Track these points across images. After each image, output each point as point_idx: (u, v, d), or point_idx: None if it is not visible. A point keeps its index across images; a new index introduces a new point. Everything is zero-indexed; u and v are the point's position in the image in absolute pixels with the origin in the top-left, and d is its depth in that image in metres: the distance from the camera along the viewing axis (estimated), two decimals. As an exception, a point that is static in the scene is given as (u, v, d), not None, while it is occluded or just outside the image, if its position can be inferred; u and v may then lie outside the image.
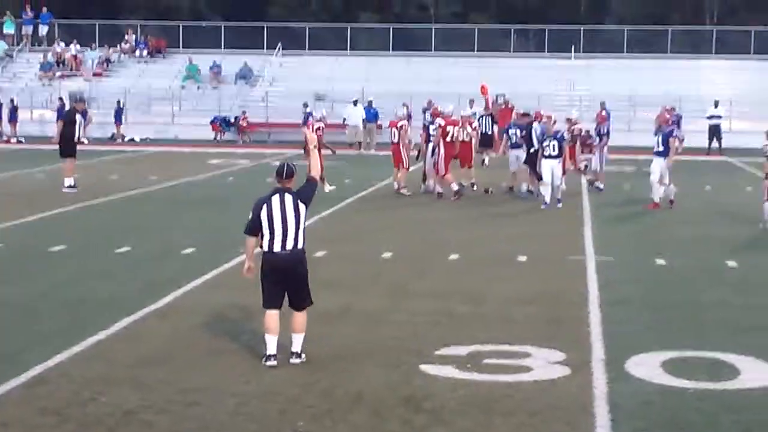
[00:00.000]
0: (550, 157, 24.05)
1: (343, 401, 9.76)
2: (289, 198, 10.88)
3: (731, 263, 17.26)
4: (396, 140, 26.39)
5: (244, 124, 48.48)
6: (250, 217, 11.00)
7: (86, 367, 10.76)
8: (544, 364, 10.95)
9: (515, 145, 26.70)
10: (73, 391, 9.95)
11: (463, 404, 9.69)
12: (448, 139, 25.62)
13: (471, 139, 26.28)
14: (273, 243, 10.84)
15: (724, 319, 13.30)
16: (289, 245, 10.82)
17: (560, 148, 24.10)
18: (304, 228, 10.96)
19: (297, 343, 10.97)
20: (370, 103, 45.65)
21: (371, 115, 45.29)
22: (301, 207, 10.87)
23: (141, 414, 9.41)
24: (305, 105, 45.72)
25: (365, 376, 10.49)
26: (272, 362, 10.87)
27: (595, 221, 21.98)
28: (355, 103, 44.90)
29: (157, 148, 44.29)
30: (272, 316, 10.97)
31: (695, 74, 51.94)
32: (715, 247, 18.99)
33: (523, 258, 17.48)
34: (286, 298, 11.02)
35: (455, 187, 25.39)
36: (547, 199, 23.89)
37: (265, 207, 10.87)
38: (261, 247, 10.96)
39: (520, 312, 13.49)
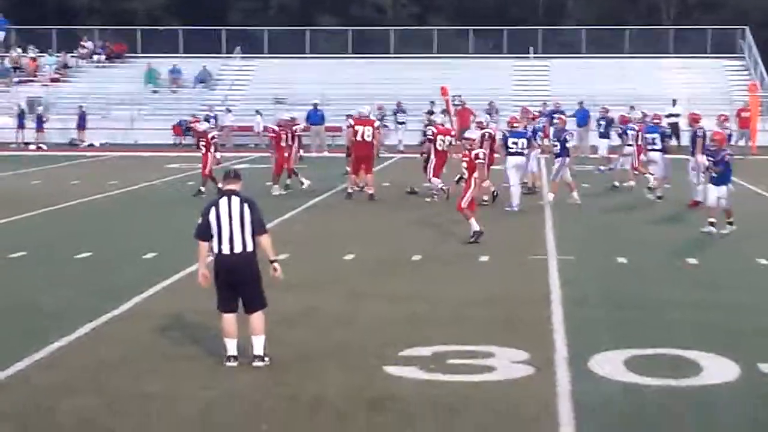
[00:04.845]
0: (516, 153, 23.88)
1: (307, 404, 9.73)
2: (235, 200, 10.86)
3: (692, 260, 17.36)
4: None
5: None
6: (199, 221, 10.97)
7: (46, 374, 10.67)
8: (507, 364, 10.96)
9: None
10: (32, 398, 9.87)
11: (427, 405, 9.69)
12: (359, 138, 25.90)
13: (372, 140, 26.14)
14: (222, 245, 10.81)
15: (686, 316, 13.37)
16: (238, 248, 10.78)
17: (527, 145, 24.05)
18: (253, 230, 10.89)
19: (258, 346, 10.92)
20: (315, 105, 45.55)
21: (318, 118, 45.11)
22: (247, 209, 10.84)
23: (102, 420, 9.35)
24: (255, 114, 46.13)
25: (329, 379, 10.46)
26: (232, 363, 10.86)
27: (556, 221, 22.04)
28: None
29: (116, 152, 44.02)
30: (228, 319, 10.95)
31: (654, 73, 52.20)
32: (675, 244, 19.09)
33: (485, 258, 17.51)
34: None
35: (350, 189, 26.34)
36: (515, 201, 23.66)
37: (213, 210, 10.84)
38: (211, 250, 10.93)
39: (482, 312, 13.50)
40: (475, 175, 19.27)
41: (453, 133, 26.16)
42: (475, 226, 19.12)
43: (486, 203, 23.59)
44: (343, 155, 27.81)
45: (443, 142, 25.50)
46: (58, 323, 12.75)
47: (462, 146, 20.20)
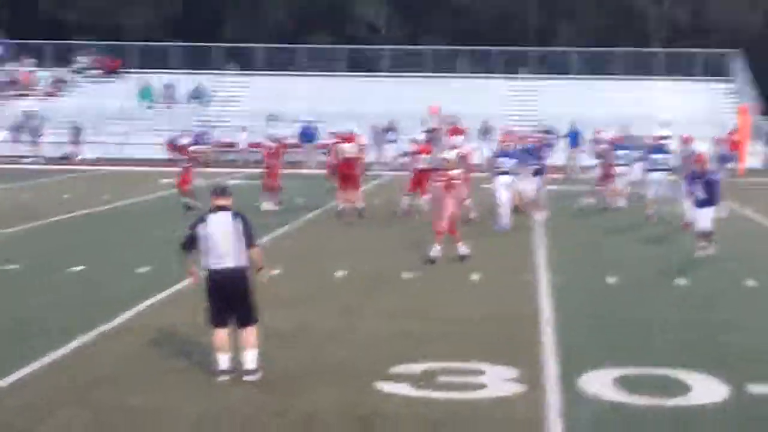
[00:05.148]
0: (505, 173, 23.90)
1: (297, 420, 9.77)
2: (226, 216, 10.94)
3: (681, 280, 17.44)
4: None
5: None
6: (186, 232, 11.10)
7: (37, 387, 10.71)
8: (497, 381, 11.02)
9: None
10: (22, 412, 9.91)
11: (417, 422, 9.73)
12: (343, 155, 26.14)
13: (357, 157, 26.31)
14: (213, 261, 10.89)
15: (675, 335, 13.44)
16: (230, 263, 10.86)
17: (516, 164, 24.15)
18: (247, 245, 10.98)
19: (250, 360, 10.98)
20: (308, 122, 45.69)
21: (310, 135, 45.32)
22: (239, 224, 10.93)
23: (93, 433, 9.42)
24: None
25: (319, 395, 10.51)
26: (224, 377, 10.91)
27: (546, 240, 22.13)
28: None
29: (110, 167, 44.04)
30: (220, 333, 11.01)
31: (643, 95, 52.32)
32: (665, 264, 19.16)
33: (476, 276, 17.59)
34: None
35: (340, 207, 26.17)
36: (504, 221, 23.71)
37: (203, 225, 10.94)
38: (203, 265, 11.02)
39: (473, 329, 13.57)
40: (452, 195, 19.31)
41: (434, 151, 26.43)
42: (434, 252, 19.00)
43: (472, 220, 23.82)
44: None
45: (425, 160, 25.60)
46: (49, 336, 12.79)
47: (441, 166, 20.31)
